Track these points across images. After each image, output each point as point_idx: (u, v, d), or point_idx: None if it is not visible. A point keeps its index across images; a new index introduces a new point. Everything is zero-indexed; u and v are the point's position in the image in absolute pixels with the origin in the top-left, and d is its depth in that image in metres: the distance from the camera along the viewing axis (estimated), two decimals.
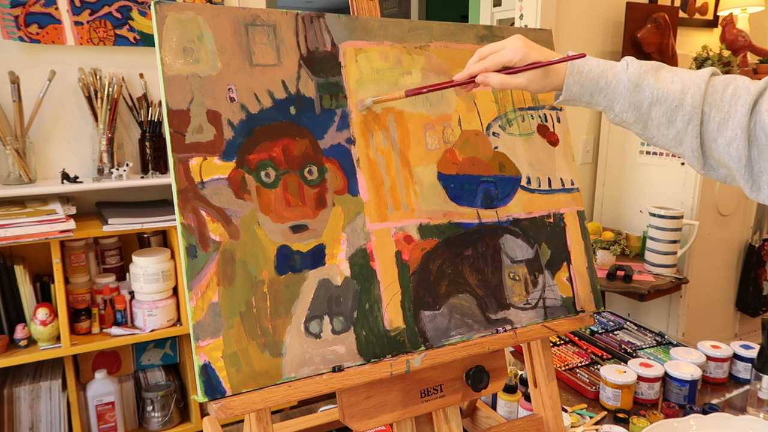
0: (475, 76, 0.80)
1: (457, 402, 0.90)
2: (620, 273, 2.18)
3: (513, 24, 2.77)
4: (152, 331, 1.88)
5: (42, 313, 1.75)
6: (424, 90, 0.82)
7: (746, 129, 0.70)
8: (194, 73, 0.74)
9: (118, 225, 1.80)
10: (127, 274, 1.94)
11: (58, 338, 1.78)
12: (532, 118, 0.99)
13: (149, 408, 1.95)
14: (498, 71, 0.79)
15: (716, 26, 3.02)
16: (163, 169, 2.01)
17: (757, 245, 2.57)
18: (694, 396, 1.25)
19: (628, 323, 1.65)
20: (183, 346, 2.07)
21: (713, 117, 0.73)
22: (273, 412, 0.89)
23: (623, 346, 1.49)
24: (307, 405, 1.23)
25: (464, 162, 0.91)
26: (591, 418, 1.20)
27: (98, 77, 1.93)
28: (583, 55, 0.79)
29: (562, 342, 1.53)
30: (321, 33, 0.83)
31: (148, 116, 2.00)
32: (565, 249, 0.98)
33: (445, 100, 0.91)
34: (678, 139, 0.76)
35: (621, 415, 1.18)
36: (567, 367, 1.39)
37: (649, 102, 0.75)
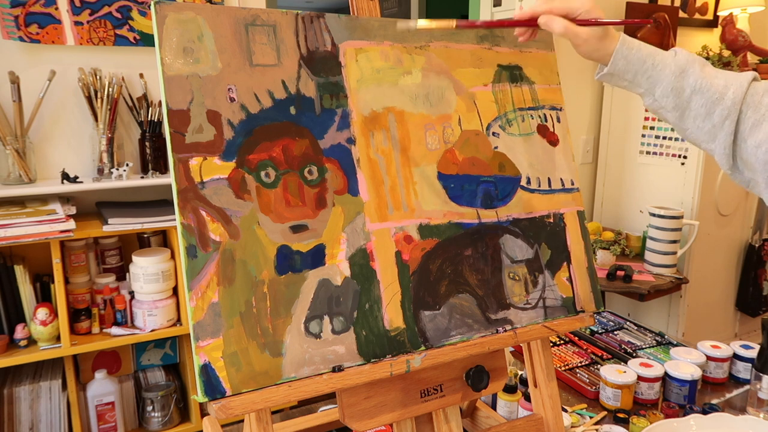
0: (536, 17, 0.80)
1: (457, 402, 0.90)
2: (620, 273, 2.18)
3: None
4: (152, 331, 1.88)
5: (42, 313, 1.75)
6: (478, 23, 0.81)
7: None
8: (194, 73, 0.74)
9: (118, 225, 1.80)
10: (127, 274, 1.94)
11: (58, 338, 1.79)
12: (532, 118, 0.99)
13: (149, 408, 1.95)
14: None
15: (716, 26, 3.02)
16: (163, 169, 2.02)
17: (757, 245, 2.57)
18: (694, 396, 1.25)
19: (628, 323, 1.65)
20: (183, 346, 2.07)
21: (749, 117, 0.73)
22: (273, 412, 0.89)
23: (623, 346, 1.49)
24: (307, 405, 1.23)
25: (464, 162, 0.91)
26: (591, 418, 1.20)
27: (98, 77, 1.93)
28: (650, 21, 0.82)
29: (562, 342, 1.53)
30: (321, 33, 0.83)
31: (148, 116, 2.00)
32: (565, 249, 0.98)
33: (445, 100, 0.91)
34: (712, 133, 0.76)
35: (621, 415, 1.18)
36: (567, 367, 1.39)
37: (692, 90, 0.76)
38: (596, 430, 1.13)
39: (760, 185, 0.74)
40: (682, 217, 2.22)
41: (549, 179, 0.99)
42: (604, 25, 0.79)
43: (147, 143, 1.99)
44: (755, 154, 0.72)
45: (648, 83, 0.79)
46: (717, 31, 3.00)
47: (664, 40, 2.64)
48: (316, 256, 0.78)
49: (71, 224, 1.71)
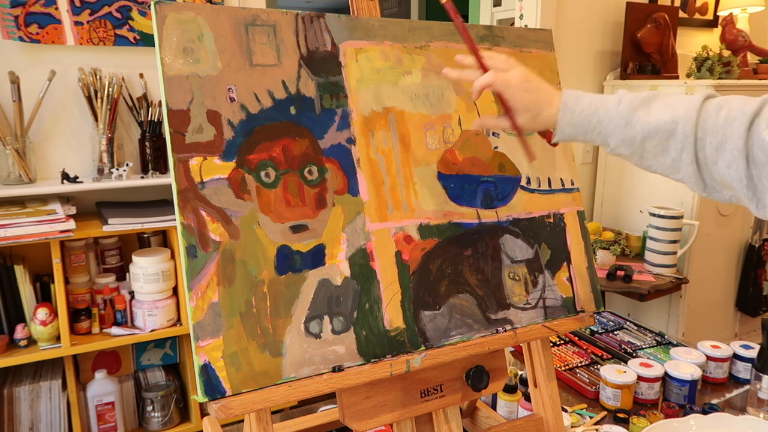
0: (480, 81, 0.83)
1: (457, 402, 0.90)
2: (620, 273, 2.18)
3: (513, 24, 2.77)
4: (152, 331, 1.88)
5: (42, 313, 1.75)
6: (460, 27, 0.84)
7: (743, 150, 0.70)
8: (194, 73, 0.74)
9: (118, 225, 1.80)
10: (127, 274, 1.94)
11: (58, 338, 1.78)
12: None
13: (149, 408, 1.95)
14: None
15: (716, 26, 3.02)
16: (163, 169, 2.01)
17: (757, 245, 2.57)
18: (694, 396, 1.25)
19: (628, 323, 1.65)
20: (183, 346, 2.07)
21: (710, 142, 0.73)
22: (273, 412, 0.89)
23: (623, 346, 1.49)
24: (307, 405, 1.23)
25: (464, 162, 0.91)
26: (591, 418, 1.20)
27: (98, 77, 1.93)
28: (533, 158, 0.87)
29: (562, 342, 1.53)
30: (321, 33, 0.83)
31: (148, 116, 2.00)
32: (565, 249, 0.98)
33: (446, 100, 0.91)
34: (675, 166, 0.76)
35: (621, 415, 1.18)
36: (567, 367, 1.39)
37: (642, 136, 0.77)
38: (596, 430, 1.13)
39: (742, 200, 0.74)
40: (682, 217, 2.22)
41: (549, 179, 0.99)
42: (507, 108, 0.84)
43: (147, 143, 1.99)
44: (729, 173, 0.72)
45: (600, 138, 0.80)
46: (717, 31, 3.00)
47: (664, 40, 2.64)
48: (316, 256, 0.78)
49: (71, 224, 1.71)
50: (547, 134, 1.00)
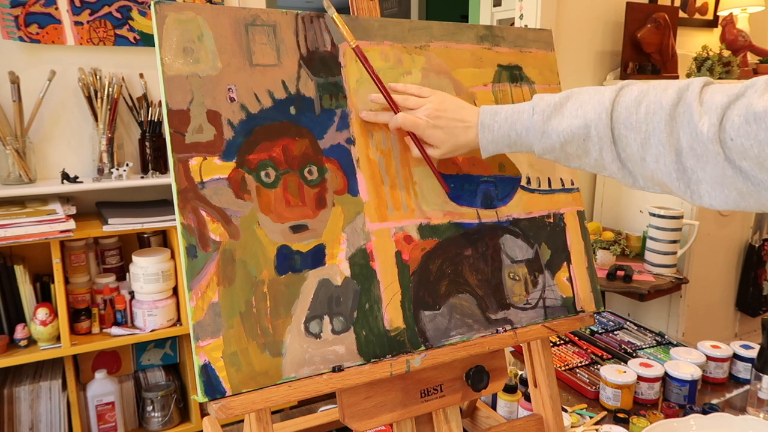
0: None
1: (457, 402, 0.90)
2: (620, 273, 2.18)
3: (513, 24, 2.77)
4: (152, 331, 1.88)
5: (42, 313, 1.75)
6: (373, 80, 0.84)
7: (667, 143, 0.68)
8: (194, 73, 0.74)
9: (118, 225, 1.80)
10: (127, 274, 1.94)
11: (58, 338, 1.79)
12: None
13: (149, 408, 1.95)
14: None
15: (716, 26, 3.02)
16: (163, 169, 2.02)
17: (757, 245, 2.57)
18: (694, 396, 1.25)
19: (628, 323, 1.65)
20: (183, 346, 2.07)
21: (633, 139, 0.71)
22: (273, 412, 0.89)
23: (623, 346, 1.49)
24: (307, 405, 1.23)
25: (464, 162, 0.91)
26: (591, 418, 1.20)
27: (98, 77, 1.93)
28: (447, 190, 0.88)
29: (562, 342, 1.53)
30: (321, 33, 0.83)
31: (148, 116, 2.00)
32: (565, 249, 0.98)
33: None
34: (599, 165, 0.76)
35: (621, 415, 1.18)
36: (567, 367, 1.39)
37: (560, 143, 0.76)
38: (596, 430, 1.13)
39: (675, 192, 0.72)
40: (682, 217, 2.22)
41: (549, 179, 0.99)
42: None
43: (147, 143, 1.99)
44: (658, 167, 0.70)
45: (525, 148, 0.81)
46: (717, 31, 3.00)
47: (664, 40, 2.64)
48: (316, 256, 0.78)
49: (71, 224, 1.71)
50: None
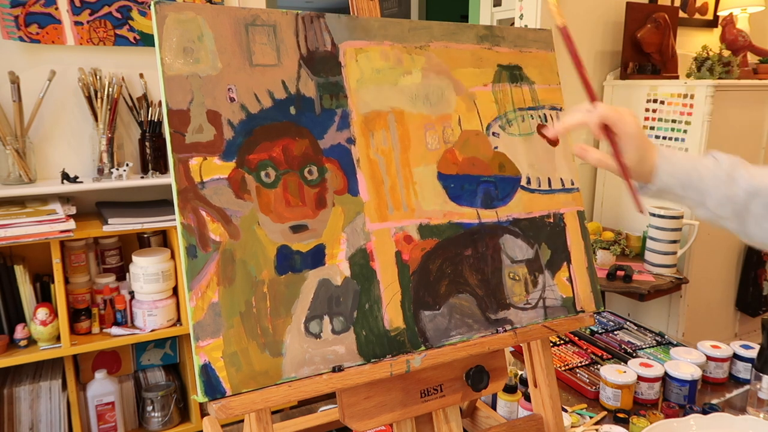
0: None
1: (457, 402, 0.90)
2: (620, 273, 2.18)
3: (513, 24, 2.77)
4: (152, 331, 1.88)
5: (42, 313, 1.75)
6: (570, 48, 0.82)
7: None
8: (194, 73, 0.74)
9: (118, 225, 1.80)
10: (127, 274, 1.94)
11: (58, 338, 1.79)
12: (532, 118, 0.99)
13: (149, 408, 1.95)
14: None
15: (716, 26, 3.02)
16: (163, 169, 2.02)
17: None
18: (694, 396, 1.25)
19: (628, 323, 1.65)
20: (183, 346, 2.07)
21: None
22: (273, 412, 0.89)
23: (623, 346, 1.49)
24: (307, 405, 1.23)
25: (464, 162, 0.91)
26: (591, 418, 1.20)
27: (98, 77, 1.93)
28: (641, 210, 0.78)
29: (562, 342, 1.53)
30: (321, 33, 0.83)
31: (148, 116, 2.00)
32: (565, 249, 0.98)
33: (445, 100, 0.91)
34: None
35: (621, 415, 1.18)
36: (567, 367, 1.39)
37: (746, 194, 0.72)
38: (596, 430, 1.13)
39: None
40: (682, 217, 2.22)
41: (549, 179, 0.99)
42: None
43: (147, 143, 1.99)
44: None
45: (699, 195, 0.75)
46: (717, 31, 3.00)
47: (664, 40, 2.64)
48: (316, 256, 0.78)
49: (71, 224, 1.71)
50: (555, 140, 0.99)
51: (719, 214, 0.75)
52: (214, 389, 0.70)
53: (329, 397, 1.09)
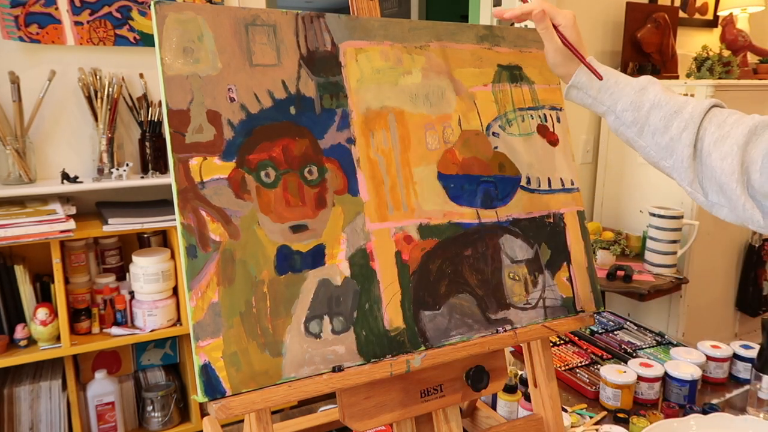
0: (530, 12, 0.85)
1: (457, 402, 0.90)
2: (620, 273, 2.18)
3: (513, 24, 2.77)
4: (152, 331, 1.88)
5: (42, 313, 1.75)
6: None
7: (742, 149, 0.71)
8: (194, 73, 0.74)
9: (118, 225, 1.80)
10: (127, 274, 1.94)
11: (58, 338, 1.78)
12: (532, 118, 0.99)
13: (149, 408, 1.95)
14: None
15: (716, 26, 3.02)
16: (163, 169, 2.01)
17: (757, 245, 2.57)
18: (694, 396, 1.25)
19: (628, 323, 1.65)
20: (183, 346, 2.07)
21: (712, 132, 0.74)
22: (273, 412, 0.89)
23: (623, 346, 1.49)
24: (307, 405, 1.23)
25: (464, 162, 0.91)
26: (591, 418, 1.20)
27: (98, 77, 1.93)
28: (599, 77, 0.83)
29: (562, 342, 1.53)
30: (321, 33, 0.83)
31: (148, 116, 2.00)
32: (565, 249, 0.98)
33: (446, 100, 0.91)
34: (670, 147, 0.77)
35: (621, 415, 1.18)
36: (567, 367, 1.39)
37: (651, 104, 0.78)
38: (596, 430, 1.13)
39: (724, 208, 0.74)
40: (682, 217, 2.22)
41: (549, 179, 0.99)
42: (569, 48, 0.85)
43: (147, 143, 1.99)
44: (721, 167, 0.72)
45: (611, 100, 0.82)
46: (717, 31, 3.00)
47: (664, 40, 2.64)
48: (316, 256, 0.78)
49: (71, 224, 1.71)
50: (548, 134, 0.99)
51: (623, 120, 0.81)
52: (214, 389, 0.70)
53: (329, 397, 1.09)
